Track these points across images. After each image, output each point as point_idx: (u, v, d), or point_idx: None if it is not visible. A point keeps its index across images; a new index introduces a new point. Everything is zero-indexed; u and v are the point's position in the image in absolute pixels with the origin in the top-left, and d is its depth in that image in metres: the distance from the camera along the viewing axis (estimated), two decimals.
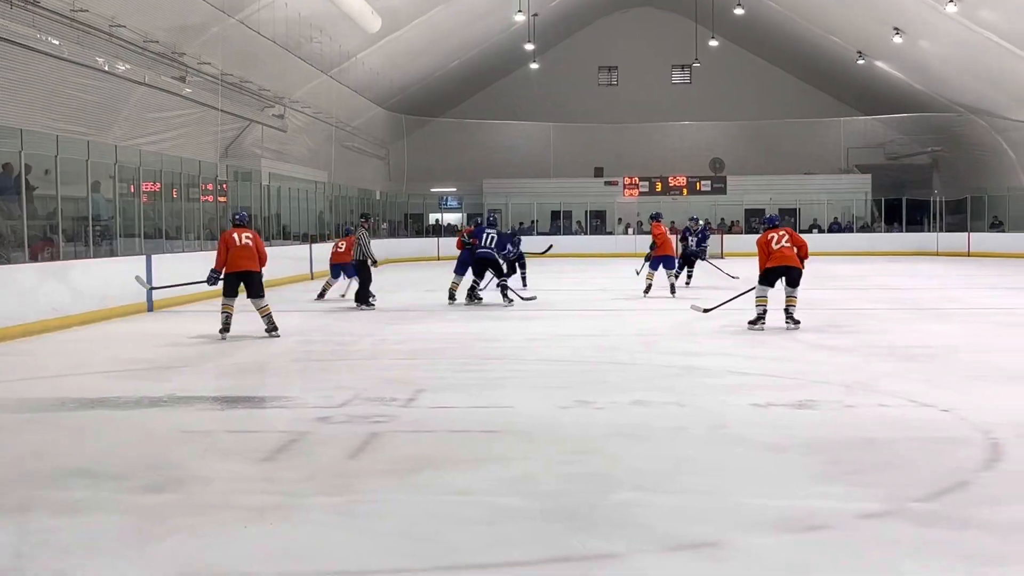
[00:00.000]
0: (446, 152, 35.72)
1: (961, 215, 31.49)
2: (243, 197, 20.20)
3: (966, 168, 33.48)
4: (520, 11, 26.97)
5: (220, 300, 9.93)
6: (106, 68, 14.48)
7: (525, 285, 14.97)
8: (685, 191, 34.18)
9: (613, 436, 5.16)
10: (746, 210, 33.54)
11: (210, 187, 18.51)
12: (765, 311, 9.37)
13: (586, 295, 16.26)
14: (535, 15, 28.27)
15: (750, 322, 9.40)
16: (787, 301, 9.44)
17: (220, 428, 5.57)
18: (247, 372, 8.18)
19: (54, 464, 4.57)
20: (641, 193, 34.67)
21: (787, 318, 9.29)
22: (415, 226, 34.22)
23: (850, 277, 20.60)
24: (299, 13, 19.16)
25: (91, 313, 11.52)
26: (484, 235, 13.48)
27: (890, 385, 7.18)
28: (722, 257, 25.44)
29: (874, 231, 33.24)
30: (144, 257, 12.95)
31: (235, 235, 9.23)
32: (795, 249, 9.48)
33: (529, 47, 31.28)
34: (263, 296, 9.27)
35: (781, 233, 9.76)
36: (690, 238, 16.48)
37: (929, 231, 31.41)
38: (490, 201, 33.25)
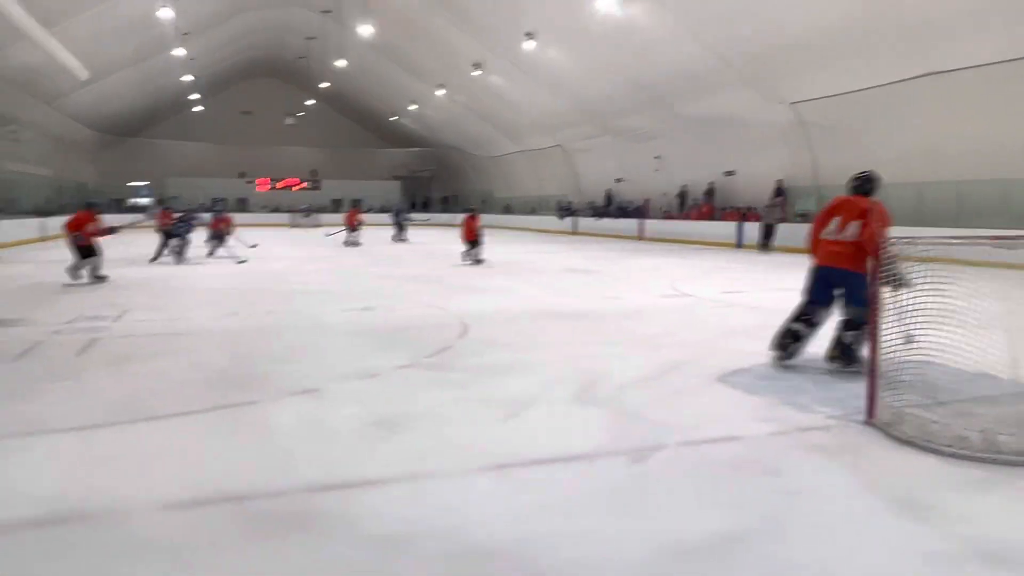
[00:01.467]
0: (142, 159, 40.29)
1: (449, 204, 42.20)
2: None
3: (450, 179, 44.22)
4: (188, 75, 32.05)
5: None
6: None
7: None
8: (294, 188, 44.15)
9: (254, 333, 6.96)
10: (332, 199, 42.98)
11: None
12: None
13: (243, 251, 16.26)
14: (195, 79, 33.40)
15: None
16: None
17: None
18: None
19: None
20: (270, 188, 44.28)
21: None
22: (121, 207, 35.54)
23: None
24: (27, 63, 20.01)
25: None
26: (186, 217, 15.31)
27: (416, 297, 9.81)
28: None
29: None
30: None
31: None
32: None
33: (195, 96, 37.57)
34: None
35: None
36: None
37: (431, 213, 40.28)
38: (172, 192, 38.12)
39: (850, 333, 5.18)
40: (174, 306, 8.93)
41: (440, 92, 31.38)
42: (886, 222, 4.95)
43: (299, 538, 2.77)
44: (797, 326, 5.42)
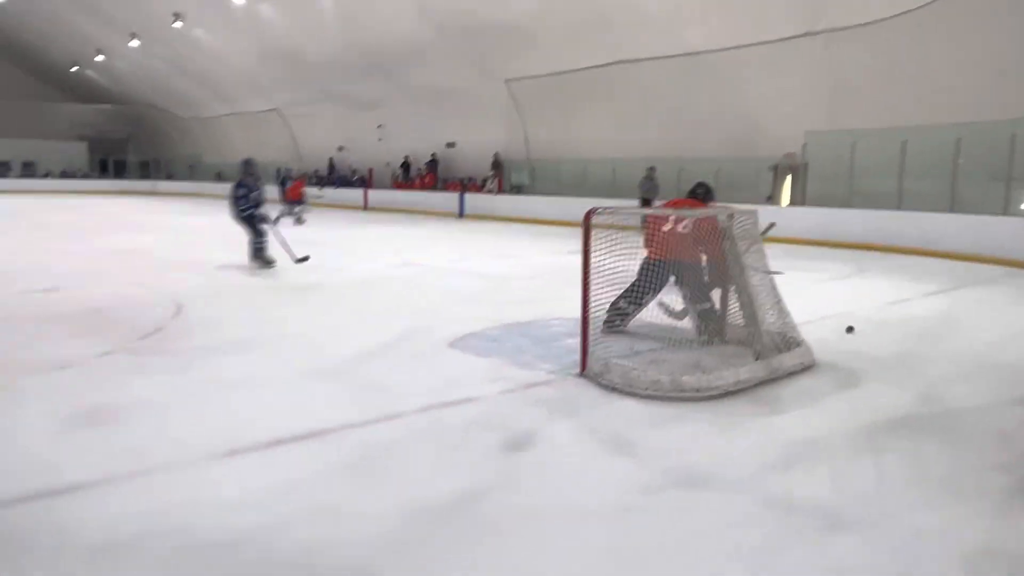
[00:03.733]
0: None
1: (148, 170, 38.93)
2: None
3: (150, 142, 40.18)
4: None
5: None
6: None
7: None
8: None
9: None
10: None
11: None
12: None
13: None
14: None
15: None
16: None
17: None
18: None
19: None
20: None
21: None
22: None
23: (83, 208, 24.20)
24: None
25: None
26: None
27: (116, 276, 8.87)
28: None
29: (92, 178, 38.08)
30: None
31: None
32: None
33: None
34: None
35: None
36: None
37: (128, 180, 37.37)
38: None
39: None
40: None
41: (134, 43, 28.15)
42: None
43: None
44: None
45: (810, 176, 14.80)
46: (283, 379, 4.45)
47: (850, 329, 5.87)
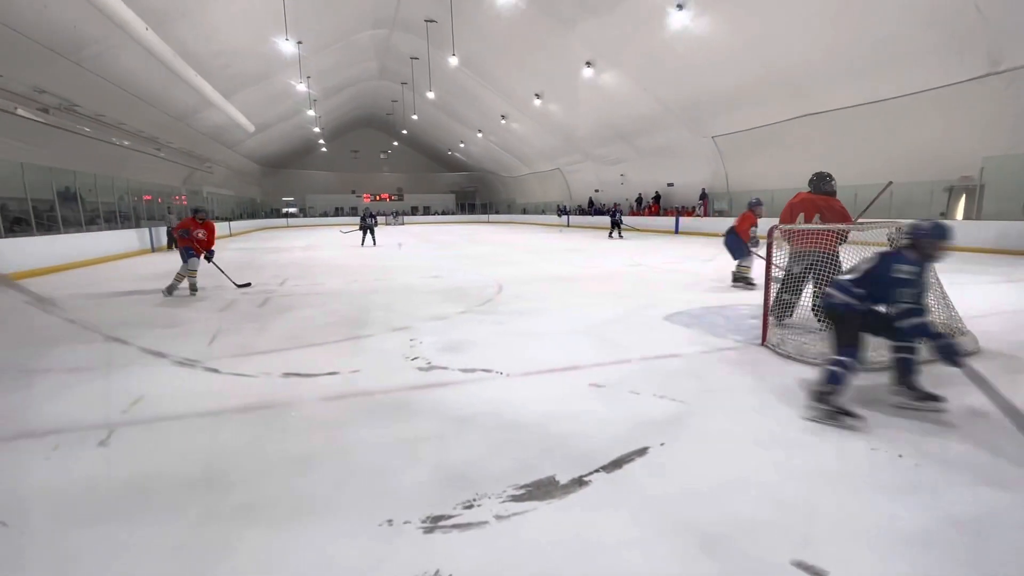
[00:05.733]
0: (289, 183, 39.26)
1: (486, 209, 40.25)
2: (193, 202, 21.04)
3: (487, 191, 42.12)
4: (316, 128, 30.72)
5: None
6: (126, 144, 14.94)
7: None
8: (389, 199, 40.86)
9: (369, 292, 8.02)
10: (411, 207, 40.49)
11: (177, 198, 20.17)
12: None
13: None
14: (321, 129, 32.16)
15: None
16: None
17: None
18: None
19: None
20: (372, 199, 39.97)
21: None
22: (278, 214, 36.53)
23: (452, 231, 28.05)
24: (215, 122, 19.90)
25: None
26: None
27: (468, 270, 9.17)
28: None
29: (456, 214, 40.15)
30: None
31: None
32: None
33: (321, 141, 35.54)
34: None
35: None
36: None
37: (474, 214, 39.85)
38: (309, 204, 38.31)
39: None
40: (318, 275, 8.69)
41: (479, 135, 30.72)
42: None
43: (405, 416, 2.87)
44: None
45: (987, 196, 11.36)
46: (558, 332, 4.63)
47: None
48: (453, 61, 17.99)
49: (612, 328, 4.78)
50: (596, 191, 28.07)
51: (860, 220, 4.54)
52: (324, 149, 38.06)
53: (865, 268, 2.83)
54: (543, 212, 33.95)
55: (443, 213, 40.98)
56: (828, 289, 2.93)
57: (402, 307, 5.88)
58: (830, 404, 2.74)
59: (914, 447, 2.43)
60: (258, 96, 20.93)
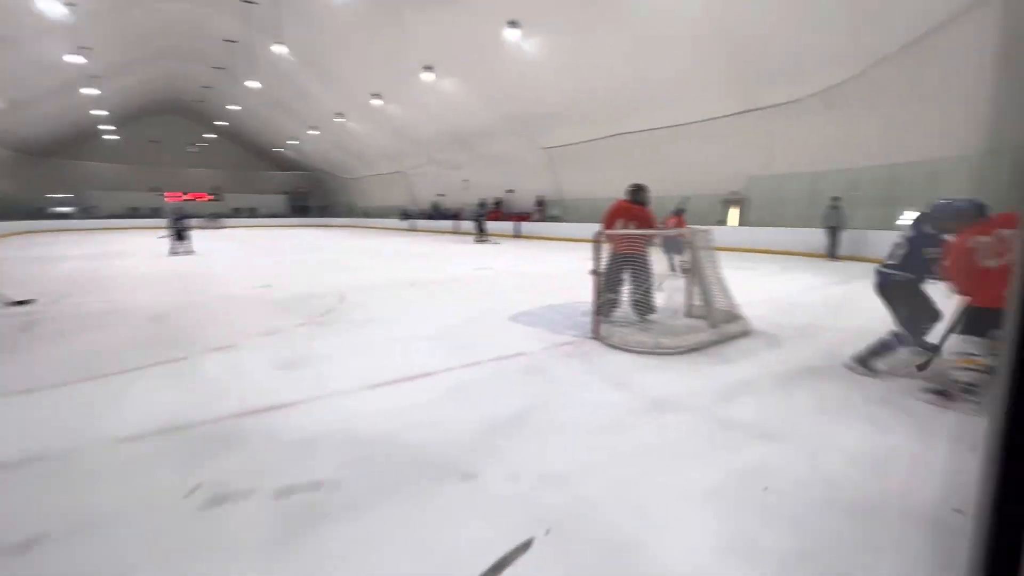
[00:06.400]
0: (60, 177, 31.52)
1: (323, 212, 38.43)
2: None
3: (323, 193, 39.76)
4: (100, 110, 25.99)
5: None
6: None
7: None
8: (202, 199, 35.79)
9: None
10: (232, 208, 36.52)
11: None
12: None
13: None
14: (108, 113, 27.16)
15: None
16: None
17: None
18: None
19: None
20: (182, 199, 34.87)
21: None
22: (42, 215, 28.82)
23: (283, 236, 26.06)
24: None
25: None
26: None
27: (303, 278, 8.73)
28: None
29: (288, 217, 37.00)
30: None
31: None
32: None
33: (110, 127, 30.22)
34: None
35: None
36: None
37: (309, 218, 37.05)
38: (95, 203, 31.29)
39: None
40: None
41: (313, 132, 28.75)
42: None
43: (234, 449, 2.55)
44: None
45: (752, 207, 14.28)
46: (407, 340, 4.53)
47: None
48: (280, 50, 16.44)
49: (461, 332, 4.82)
50: (440, 195, 28.22)
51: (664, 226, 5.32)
52: (111, 136, 31.79)
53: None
54: (387, 216, 32.94)
55: (273, 216, 37.23)
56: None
57: (225, 322, 5.22)
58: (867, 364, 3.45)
59: (709, 416, 2.92)
60: (7, 62, 16.59)
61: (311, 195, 40.63)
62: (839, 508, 2.05)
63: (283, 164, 39.37)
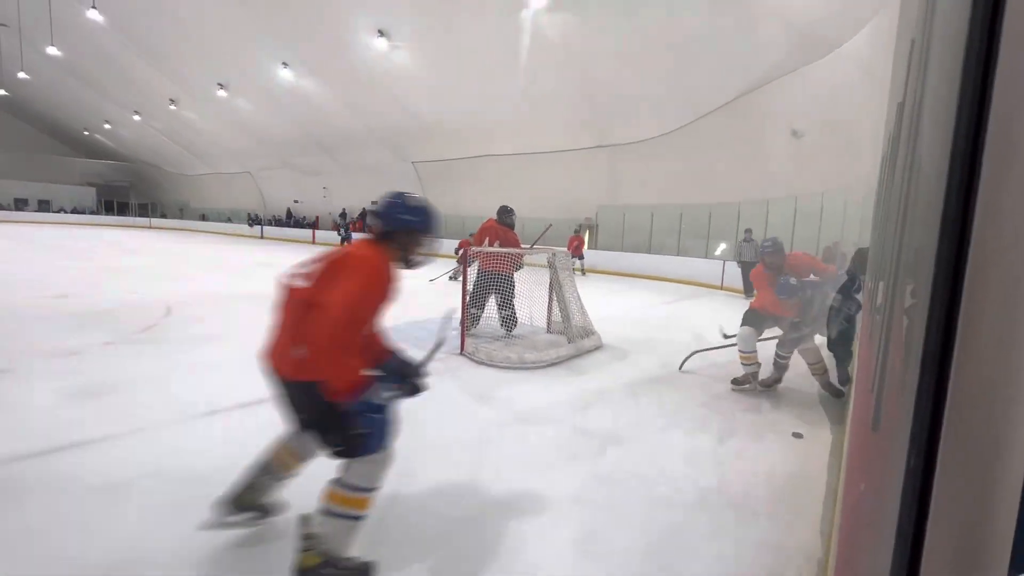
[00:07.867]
0: None
1: (146, 210, 33.01)
2: None
3: (147, 189, 34.46)
4: None
5: None
6: None
7: None
8: None
9: None
10: (15, 199, 29.65)
11: None
12: None
13: None
14: None
15: None
16: None
17: None
18: None
19: None
20: None
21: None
22: None
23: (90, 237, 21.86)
24: None
25: None
26: None
27: (118, 286, 7.41)
28: None
29: (99, 215, 30.96)
30: None
31: None
32: None
33: None
34: None
35: None
36: None
37: (129, 217, 31.67)
38: None
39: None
40: None
41: (136, 117, 24.60)
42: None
43: (15, 501, 2.01)
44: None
45: (601, 232, 15.75)
46: (245, 360, 4.02)
47: (726, 336, 4.55)
48: (93, 15, 13.84)
49: None
50: (296, 202, 26.15)
51: (528, 247, 5.59)
52: None
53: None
54: (230, 220, 29.48)
55: (76, 212, 30.88)
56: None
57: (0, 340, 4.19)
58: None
59: (568, 426, 3.09)
60: None
61: (131, 190, 34.55)
62: (676, 504, 2.31)
63: (95, 151, 32.93)
